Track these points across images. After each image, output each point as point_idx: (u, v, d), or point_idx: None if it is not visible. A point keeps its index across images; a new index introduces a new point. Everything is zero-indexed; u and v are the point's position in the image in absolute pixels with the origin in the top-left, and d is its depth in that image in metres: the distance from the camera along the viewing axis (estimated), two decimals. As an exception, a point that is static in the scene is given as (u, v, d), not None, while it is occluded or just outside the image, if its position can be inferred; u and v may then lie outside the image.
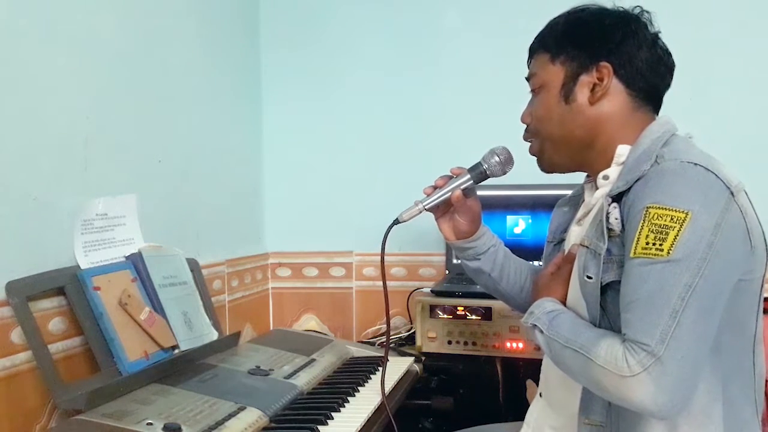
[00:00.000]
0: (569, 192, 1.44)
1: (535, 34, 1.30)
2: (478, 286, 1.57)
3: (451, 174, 1.41)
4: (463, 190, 1.38)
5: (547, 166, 1.32)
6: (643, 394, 1.00)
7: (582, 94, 1.22)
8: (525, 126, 1.32)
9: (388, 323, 1.44)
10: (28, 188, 1.37)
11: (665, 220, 1.03)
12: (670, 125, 1.21)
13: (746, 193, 1.12)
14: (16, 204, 1.34)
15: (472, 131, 2.28)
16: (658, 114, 1.26)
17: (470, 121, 2.34)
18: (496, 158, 1.37)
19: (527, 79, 1.32)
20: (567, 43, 1.24)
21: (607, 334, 1.09)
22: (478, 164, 1.38)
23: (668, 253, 1.02)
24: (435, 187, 1.40)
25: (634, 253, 1.05)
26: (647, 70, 1.21)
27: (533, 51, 1.31)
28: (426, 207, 1.38)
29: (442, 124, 2.38)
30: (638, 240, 1.05)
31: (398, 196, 2.41)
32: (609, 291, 1.14)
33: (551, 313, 1.20)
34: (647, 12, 1.25)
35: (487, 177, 1.38)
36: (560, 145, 1.27)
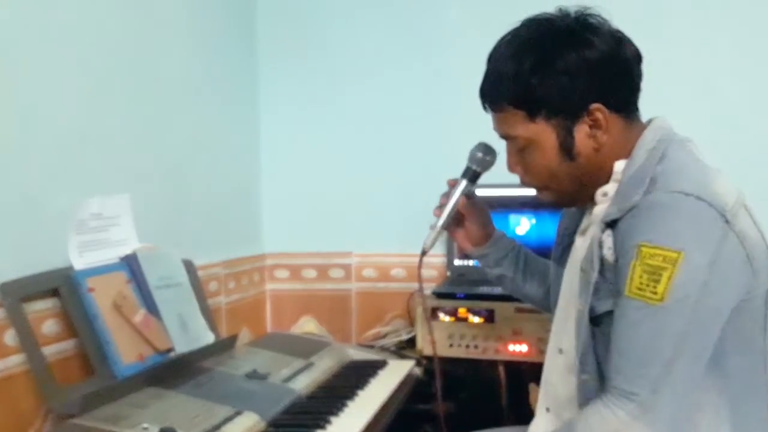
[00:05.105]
0: None
1: None
2: (480, 288, 1.56)
3: (448, 186, 1.43)
4: (465, 195, 1.41)
5: (567, 208, 1.34)
6: None
7: (584, 144, 1.16)
8: (517, 174, 1.26)
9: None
10: (22, 188, 1.36)
11: (658, 261, 1.02)
12: (665, 130, 1.17)
13: (746, 208, 1.09)
14: (10, 204, 1.33)
15: (472, 133, 2.24)
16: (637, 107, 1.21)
17: (470, 124, 2.29)
18: (479, 154, 1.39)
19: (502, 137, 1.24)
20: (543, 97, 1.14)
21: (576, 417, 1.09)
22: (467, 167, 1.41)
23: (663, 297, 1.01)
24: (441, 206, 1.42)
25: (629, 291, 1.04)
26: (629, 80, 1.17)
27: (495, 105, 1.20)
28: (442, 226, 1.41)
29: (442, 125, 2.36)
30: (632, 279, 1.04)
31: (398, 196, 2.41)
32: (605, 321, 1.12)
33: None
34: (595, 15, 1.16)
35: (479, 174, 1.41)
36: (578, 192, 1.22)
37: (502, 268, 1.47)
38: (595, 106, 1.13)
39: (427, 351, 1.94)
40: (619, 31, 1.17)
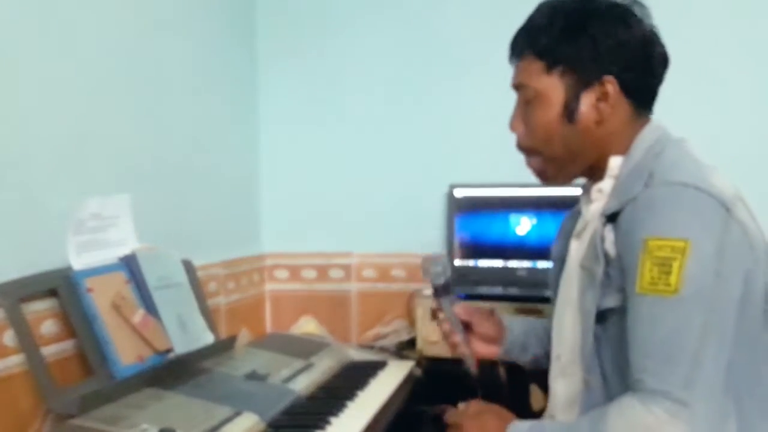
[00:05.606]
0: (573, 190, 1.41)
1: None
2: (480, 288, 1.55)
3: (436, 312, 1.43)
4: (453, 306, 1.40)
5: (551, 183, 1.30)
6: None
7: (587, 112, 1.17)
8: (516, 133, 1.26)
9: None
10: (21, 188, 1.35)
11: (666, 252, 1.01)
12: (661, 131, 1.18)
13: (743, 202, 1.09)
14: (9, 203, 1.32)
15: (472, 134, 2.26)
16: (651, 110, 1.22)
17: (469, 124, 2.30)
18: (436, 269, 1.38)
19: (515, 87, 1.25)
20: (564, 52, 1.16)
21: (607, 408, 1.06)
22: (434, 288, 1.40)
23: (676, 288, 1.00)
24: (448, 330, 1.41)
25: (641, 288, 1.03)
26: (648, 74, 1.18)
27: (520, 52, 1.23)
28: (463, 348, 1.40)
29: (442, 126, 2.35)
30: (642, 275, 1.03)
31: (398, 196, 2.40)
32: (609, 319, 1.11)
33: (532, 429, 1.16)
34: (642, 7, 1.19)
35: (448, 284, 1.40)
36: (565, 165, 1.22)
37: (531, 351, 1.44)
38: (608, 78, 1.15)
39: (428, 352, 1.94)
40: (656, 29, 1.19)
